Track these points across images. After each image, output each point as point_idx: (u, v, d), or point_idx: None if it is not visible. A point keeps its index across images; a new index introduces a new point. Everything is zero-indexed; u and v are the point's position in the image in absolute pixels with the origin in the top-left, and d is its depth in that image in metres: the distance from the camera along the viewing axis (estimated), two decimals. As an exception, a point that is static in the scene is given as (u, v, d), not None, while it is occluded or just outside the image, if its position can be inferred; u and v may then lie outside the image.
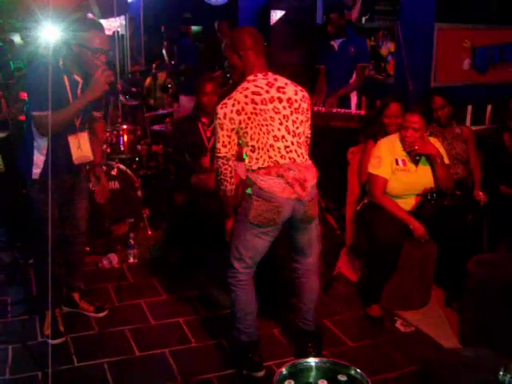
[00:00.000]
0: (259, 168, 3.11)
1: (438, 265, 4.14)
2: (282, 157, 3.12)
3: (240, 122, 3.09)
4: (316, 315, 3.53)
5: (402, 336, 3.83)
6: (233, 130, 3.11)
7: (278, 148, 3.12)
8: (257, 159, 3.11)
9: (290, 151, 3.15)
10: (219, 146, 3.15)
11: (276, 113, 3.14)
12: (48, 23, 3.74)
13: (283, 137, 3.14)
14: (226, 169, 3.19)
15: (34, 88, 3.36)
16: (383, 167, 4.10)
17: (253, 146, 3.12)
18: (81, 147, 3.55)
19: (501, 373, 2.22)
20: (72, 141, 3.51)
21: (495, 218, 4.62)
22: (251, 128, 3.10)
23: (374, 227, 4.01)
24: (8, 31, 6.09)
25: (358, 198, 4.54)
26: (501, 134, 4.86)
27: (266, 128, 3.11)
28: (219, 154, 3.16)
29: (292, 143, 3.17)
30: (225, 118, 3.09)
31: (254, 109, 3.09)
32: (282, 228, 3.25)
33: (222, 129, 3.11)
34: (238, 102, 3.09)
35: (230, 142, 3.13)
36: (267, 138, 3.11)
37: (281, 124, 3.14)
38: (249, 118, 3.09)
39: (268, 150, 3.11)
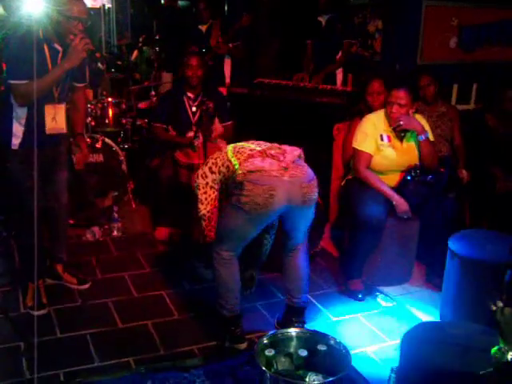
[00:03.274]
0: (243, 160, 3.16)
1: (420, 241, 4.18)
2: (258, 144, 3.28)
3: (210, 169, 3.33)
4: (303, 291, 3.52)
5: (382, 310, 3.87)
6: (207, 184, 3.34)
7: (252, 143, 3.31)
8: (237, 160, 3.19)
9: (266, 142, 3.31)
10: (198, 205, 3.37)
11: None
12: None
13: (253, 142, 3.34)
14: (210, 230, 3.40)
15: (12, 57, 3.33)
16: (368, 143, 4.10)
17: (227, 166, 3.24)
18: (56, 118, 3.53)
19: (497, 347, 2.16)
20: (48, 111, 3.49)
21: (477, 196, 4.67)
22: (220, 159, 3.30)
23: (358, 202, 4.02)
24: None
25: (343, 174, 4.56)
26: (483, 113, 4.89)
27: (235, 146, 3.32)
28: (199, 214, 3.41)
29: (265, 144, 3.33)
30: (198, 177, 3.39)
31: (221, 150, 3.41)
32: (280, 220, 3.28)
33: (198, 189, 3.38)
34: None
35: (206, 198, 3.36)
36: (237, 146, 3.31)
37: (252, 144, 3.34)
38: (216, 158, 3.35)
39: (243, 148, 3.26)
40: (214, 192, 3.35)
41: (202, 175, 3.36)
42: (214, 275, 3.35)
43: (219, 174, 3.30)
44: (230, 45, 6.10)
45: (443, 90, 5.15)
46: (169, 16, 8.16)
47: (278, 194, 3.04)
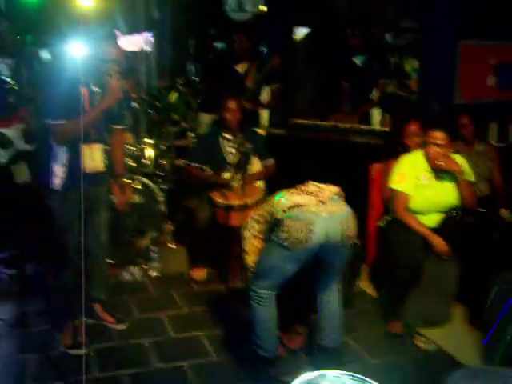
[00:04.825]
0: (286, 198, 3.20)
1: (462, 282, 4.09)
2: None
3: (255, 220, 3.38)
4: (338, 331, 3.49)
5: (422, 353, 3.79)
6: (252, 235, 3.37)
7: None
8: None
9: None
10: (245, 256, 3.41)
11: None
12: (75, 39, 3.84)
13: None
14: None
15: (51, 98, 3.47)
16: (406, 183, 4.08)
17: (271, 213, 3.26)
18: (93, 157, 3.62)
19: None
20: (85, 150, 3.57)
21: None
22: (264, 209, 3.34)
23: (396, 245, 3.98)
24: (38, 46, 6.22)
25: (381, 215, 4.52)
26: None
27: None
28: (246, 266, 3.42)
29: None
30: (244, 230, 3.43)
31: None
32: (316, 258, 3.23)
33: (245, 241, 3.41)
34: None
35: (252, 250, 3.38)
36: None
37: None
38: (261, 208, 3.41)
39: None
40: (259, 242, 3.37)
41: (248, 227, 3.41)
42: (251, 314, 3.33)
43: (264, 223, 3.32)
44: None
45: (481, 129, 5.11)
46: (207, 57, 8.32)
47: (317, 230, 3.06)
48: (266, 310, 3.28)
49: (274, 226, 3.19)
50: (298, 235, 3.05)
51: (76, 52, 3.54)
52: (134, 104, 5.79)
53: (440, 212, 4.14)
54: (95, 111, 3.51)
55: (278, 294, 3.31)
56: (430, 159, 4.05)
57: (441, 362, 3.67)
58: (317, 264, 3.39)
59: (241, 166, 4.38)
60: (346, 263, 3.42)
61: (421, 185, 4.10)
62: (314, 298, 3.56)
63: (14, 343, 3.79)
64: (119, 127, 3.88)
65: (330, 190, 3.20)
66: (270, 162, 4.99)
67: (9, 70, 4.58)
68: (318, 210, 3.09)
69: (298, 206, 3.10)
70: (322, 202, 3.12)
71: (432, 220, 4.11)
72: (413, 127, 4.45)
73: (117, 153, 3.94)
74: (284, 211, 3.12)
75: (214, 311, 4.26)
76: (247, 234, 3.39)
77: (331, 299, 3.44)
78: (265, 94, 6.12)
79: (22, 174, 4.65)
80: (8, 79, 4.56)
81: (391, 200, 4.19)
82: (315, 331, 3.52)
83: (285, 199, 3.17)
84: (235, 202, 4.44)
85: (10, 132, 4.53)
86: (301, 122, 5.93)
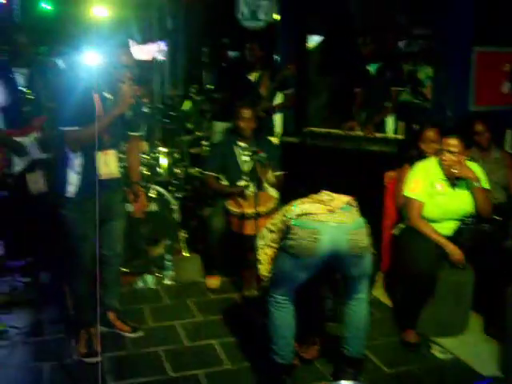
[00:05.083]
0: (296, 205, 3.20)
1: (477, 291, 4.06)
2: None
3: (269, 230, 3.35)
4: (361, 342, 3.45)
5: (438, 363, 3.76)
6: (265, 244, 3.36)
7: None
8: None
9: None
10: (258, 266, 3.39)
11: None
12: (89, 48, 3.87)
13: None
14: None
15: (64, 105, 3.51)
16: (420, 190, 4.06)
17: (284, 222, 3.24)
18: (108, 164, 3.64)
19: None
20: (100, 157, 3.59)
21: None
22: (278, 218, 3.31)
23: (410, 254, 3.96)
24: (53, 56, 6.28)
25: (395, 223, 4.50)
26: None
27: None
28: (259, 274, 3.40)
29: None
30: (258, 239, 3.41)
31: None
32: (328, 266, 3.21)
33: (258, 250, 3.40)
34: None
35: (265, 259, 3.36)
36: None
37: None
38: (275, 218, 3.36)
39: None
40: (272, 251, 3.35)
41: (261, 237, 3.40)
42: (269, 319, 3.33)
43: (277, 232, 3.30)
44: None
45: (497, 137, 5.08)
46: (221, 66, 8.34)
47: (323, 239, 3.06)
48: (283, 315, 3.28)
49: (286, 234, 3.20)
50: (304, 243, 3.06)
51: (90, 60, 3.58)
52: (146, 109, 5.81)
53: (455, 220, 4.12)
54: (108, 117, 3.54)
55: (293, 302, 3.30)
56: (444, 166, 4.04)
57: (457, 372, 3.64)
58: (338, 273, 3.39)
59: (255, 174, 4.37)
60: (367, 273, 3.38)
61: (435, 192, 4.08)
62: (329, 307, 3.55)
63: (29, 351, 3.80)
64: (135, 134, 3.90)
65: (340, 200, 3.19)
66: (278, 174, 4.98)
67: (24, 80, 4.62)
68: (327, 218, 3.09)
69: (307, 214, 3.11)
70: (331, 211, 3.11)
71: (446, 228, 4.09)
72: (430, 133, 4.43)
73: (132, 160, 3.97)
74: (293, 218, 3.13)
75: (228, 319, 4.25)
76: (261, 243, 3.39)
77: (357, 309, 3.40)
78: (278, 100, 6.10)
79: (38, 182, 4.68)
80: (23, 89, 4.59)
81: (405, 207, 4.18)
82: (340, 341, 3.48)
83: (294, 207, 3.18)
84: (249, 210, 4.44)
85: (26, 141, 4.57)
86: (314, 129, 5.93)
